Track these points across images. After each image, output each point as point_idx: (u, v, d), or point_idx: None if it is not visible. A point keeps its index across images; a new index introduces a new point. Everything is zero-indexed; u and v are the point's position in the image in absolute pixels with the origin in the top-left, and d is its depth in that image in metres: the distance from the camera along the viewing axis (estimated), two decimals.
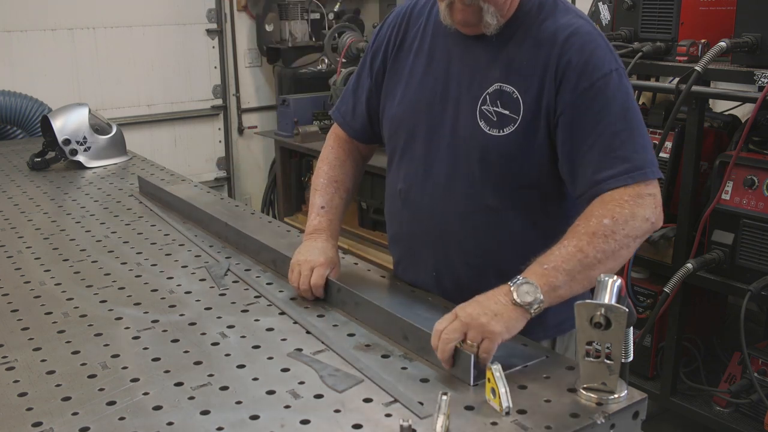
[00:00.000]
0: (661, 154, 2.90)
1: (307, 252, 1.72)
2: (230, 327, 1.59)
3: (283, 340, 1.53)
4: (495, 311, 1.33)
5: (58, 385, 1.35)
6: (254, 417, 1.24)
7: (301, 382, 1.35)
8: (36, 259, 2.03)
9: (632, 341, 1.25)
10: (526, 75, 1.53)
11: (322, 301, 1.70)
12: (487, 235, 1.62)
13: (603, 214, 1.41)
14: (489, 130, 1.56)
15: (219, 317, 1.64)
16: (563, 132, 1.51)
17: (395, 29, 1.75)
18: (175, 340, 1.53)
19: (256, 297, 1.75)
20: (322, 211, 1.80)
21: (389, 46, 1.75)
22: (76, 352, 1.48)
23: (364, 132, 1.85)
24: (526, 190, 1.59)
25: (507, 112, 1.54)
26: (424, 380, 1.36)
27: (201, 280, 1.86)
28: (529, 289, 1.34)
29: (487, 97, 1.56)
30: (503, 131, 1.55)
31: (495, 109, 1.55)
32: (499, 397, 1.22)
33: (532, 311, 1.35)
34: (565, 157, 1.52)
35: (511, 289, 1.35)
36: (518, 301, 1.33)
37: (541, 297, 1.34)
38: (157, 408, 1.27)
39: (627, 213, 1.42)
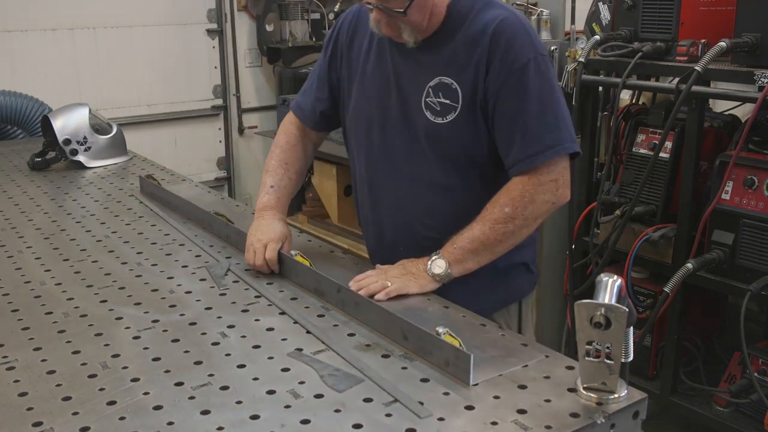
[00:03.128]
0: (661, 154, 2.90)
1: (258, 231, 1.90)
2: (230, 327, 1.59)
3: (284, 339, 1.53)
4: (414, 273, 1.73)
5: (58, 385, 1.35)
6: (254, 417, 1.24)
7: (302, 382, 1.35)
8: (36, 258, 2.03)
9: (632, 341, 1.25)
10: (462, 67, 1.74)
11: (322, 300, 1.71)
12: (443, 211, 1.84)
13: (505, 203, 1.72)
14: (434, 118, 1.78)
15: (219, 317, 1.64)
16: (491, 118, 1.75)
17: (347, 33, 1.94)
18: (176, 340, 1.53)
19: (256, 297, 1.75)
20: (271, 190, 2.00)
21: (344, 49, 1.94)
22: (76, 352, 1.48)
23: (320, 122, 2.04)
24: (473, 169, 1.81)
25: (448, 101, 1.76)
26: (424, 380, 1.36)
27: (201, 279, 1.86)
28: (440, 263, 1.72)
29: (430, 90, 1.78)
30: (446, 118, 1.77)
31: (438, 100, 1.77)
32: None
33: (441, 280, 1.72)
34: (494, 140, 1.77)
35: (428, 262, 1.73)
36: (431, 272, 1.72)
37: (449, 271, 1.71)
38: (158, 408, 1.27)
39: (527, 200, 1.71)
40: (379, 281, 1.67)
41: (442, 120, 1.76)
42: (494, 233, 1.70)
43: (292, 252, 1.86)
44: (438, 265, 1.71)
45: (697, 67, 2.60)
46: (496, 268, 1.79)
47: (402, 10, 1.67)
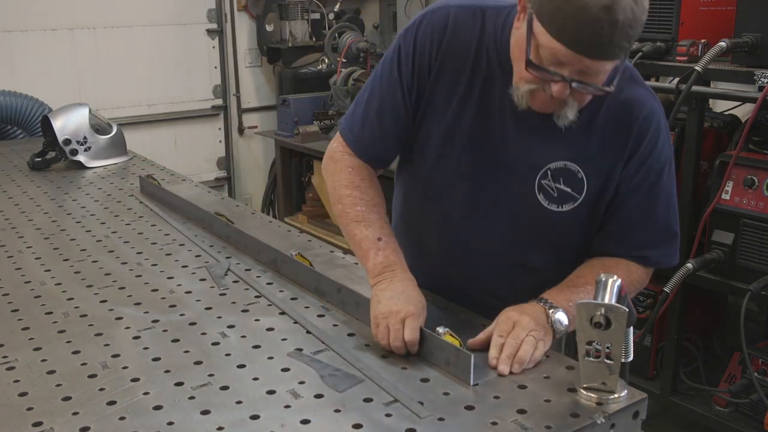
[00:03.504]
0: None
1: (392, 301, 1.46)
2: (230, 327, 1.59)
3: (284, 339, 1.53)
4: (543, 325, 1.44)
5: (58, 385, 1.35)
6: (254, 417, 1.24)
7: (302, 382, 1.35)
8: (36, 258, 2.03)
9: (632, 341, 1.26)
10: (594, 155, 1.51)
11: (322, 300, 1.71)
12: (523, 287, 1.57)
13: (623, 285, 1.51)
14: (548, 204, 1.55)
15: (219, 317, 1.64)
16: (612, 207, 1.56)
17: (434, 60, 1.55)
18: (176, 340, 1.53)
19: (256, 297, 1.75)
20: (381, 243, 1.55)
21: (427, 74, 1.56)
22: (76, 352, 1.48)
23: (388, 160, 1.69)
24: (569, 253, 1.64)
25: (569, 190, 1.54)
26: (424, 380, 1.36)
27: (201, 279, 1.86)
28: (562, 319, 1.45)
29: (549, 171, 1.53)
30: (563, 207, 1.55)
31: (557, 185, 1.54)
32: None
33: (557, 336, 1.47)
34: (608, 222, 1.58)
35: (547, 312, 1.46)
36: (555, 325, 1.45)
37: (568, 327, 1.46)
38: (158, 408, 1.27)
39: (636, 287, 1.60)
40: (528, 342, 1.40)
41: (557, 208, 1.54)
42: None
43: (292, 252, 1.85)
44: (560, 320, 1.45)
45: (697, 67, 2.60)
46: None
47: (611, 89, 1.38)
